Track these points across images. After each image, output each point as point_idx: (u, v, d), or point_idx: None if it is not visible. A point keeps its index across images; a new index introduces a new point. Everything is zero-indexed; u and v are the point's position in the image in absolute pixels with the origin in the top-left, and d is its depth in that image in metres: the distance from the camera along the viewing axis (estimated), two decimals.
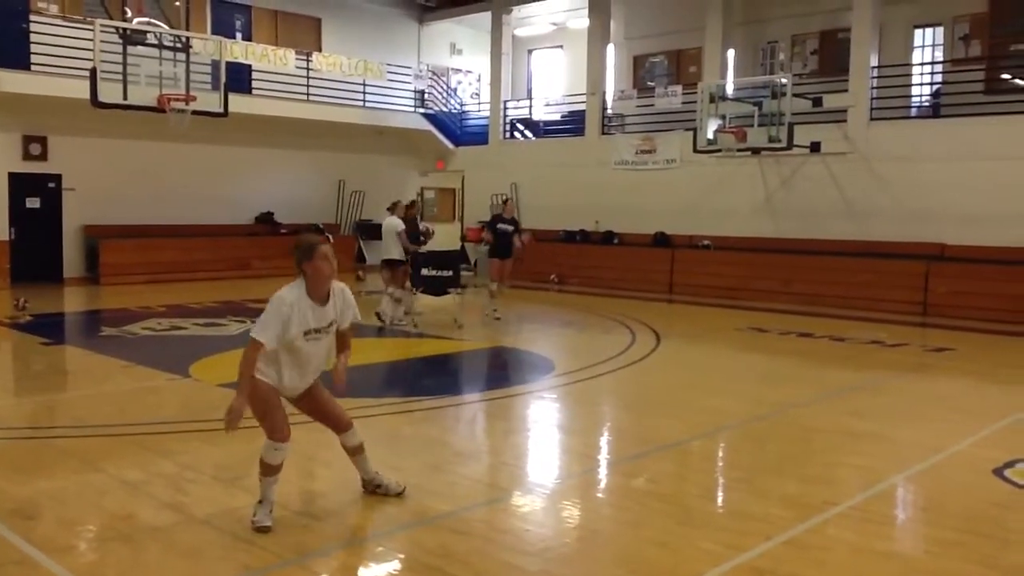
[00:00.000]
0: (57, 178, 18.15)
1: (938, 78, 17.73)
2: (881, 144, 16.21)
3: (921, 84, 17.99)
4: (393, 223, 12.68)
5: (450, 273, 12.66)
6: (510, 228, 13.83)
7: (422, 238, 13.05)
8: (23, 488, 5.39)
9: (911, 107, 17.73)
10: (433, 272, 12.53)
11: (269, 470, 4.76)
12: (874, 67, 16.72)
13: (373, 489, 5.24)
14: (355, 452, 5.18)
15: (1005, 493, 5.60)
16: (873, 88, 16.67)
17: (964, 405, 8.34)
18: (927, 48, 18.16)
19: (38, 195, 18.01)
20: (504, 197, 14.27)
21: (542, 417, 7.97)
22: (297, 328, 4.63)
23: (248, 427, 6.77)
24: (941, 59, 17.73)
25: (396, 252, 12.66)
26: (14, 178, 17.62)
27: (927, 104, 17.70)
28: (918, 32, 18.18)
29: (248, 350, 4.61)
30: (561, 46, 24.73)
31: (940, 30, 17.77)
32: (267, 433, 4.77)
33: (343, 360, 4.99)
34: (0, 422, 7.22)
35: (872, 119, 16.52)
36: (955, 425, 7.36)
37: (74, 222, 18.44)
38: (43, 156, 17.90)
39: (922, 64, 18.06)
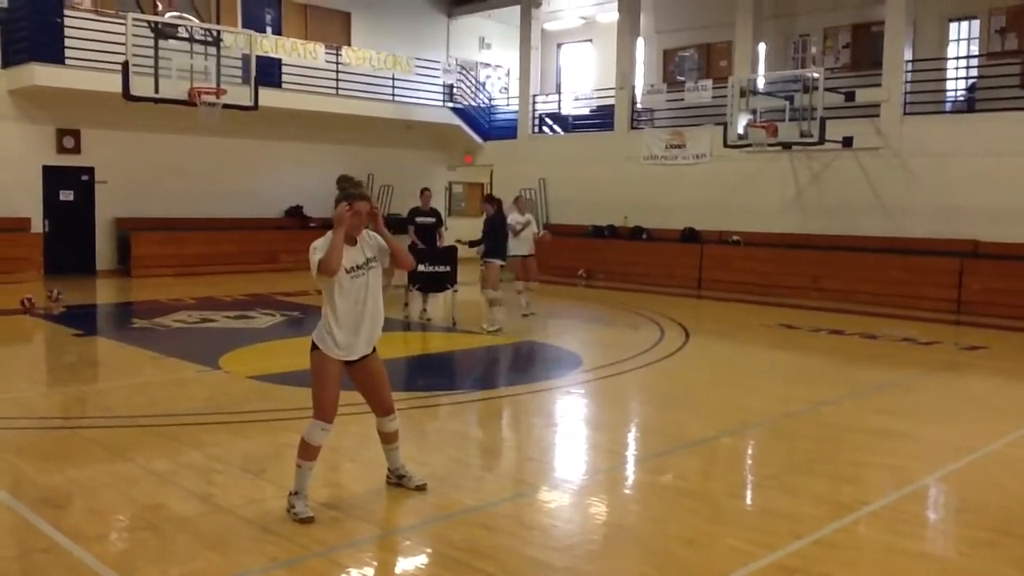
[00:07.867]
0: (90, 171, 18.36)
1: (973, 72, 17.45)
2: (914, 139, 15.99)
3: (956, 78, 17.71)
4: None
5: (447, 268, 12.33)
6: None
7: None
8: (53, 477, 5.45)
9: (945, 102, 17.45)
10: (430, 268, 12.20)
11: (309, 453, 4.79)
12: (908, 61, 16.50)
13: (397, 480, 5.26)
14: (389, 439, 5.21)
15: None
16: (907, 82, 16.46)
17: (998, 404, 8.20)
18: (962, 42, 17.88)
19: (71, 188, 18.24)
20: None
21: (569, 413, 7.94)
22: (338, 261, 4.71)
23: (274, 420, 6.85)
24: (976, 53, 17.46)
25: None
26: (48, 171, 17.85)
27: (962, 99, 17.43)
28: (953, 25, 17.89)
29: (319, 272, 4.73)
30: (590, 40, 24.63)
31: (976, 23, 17.47)
32: (315, 410, 4.81)
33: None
34: (32, 412, 7.31)
35: (905, 114, 16.30)
36: (989, 424, 7.24)
37: (106, 215, 18.65)
38: (76, 149, 18.11)
39: (957, 58, 17.80)
